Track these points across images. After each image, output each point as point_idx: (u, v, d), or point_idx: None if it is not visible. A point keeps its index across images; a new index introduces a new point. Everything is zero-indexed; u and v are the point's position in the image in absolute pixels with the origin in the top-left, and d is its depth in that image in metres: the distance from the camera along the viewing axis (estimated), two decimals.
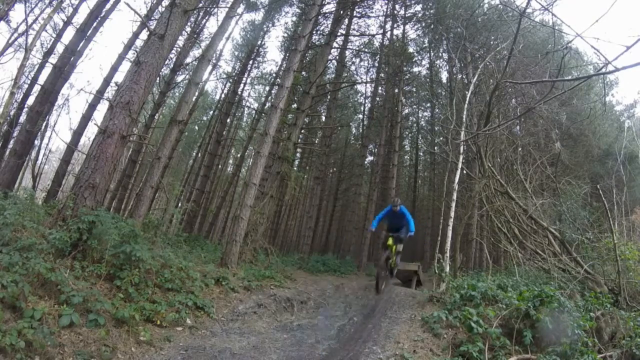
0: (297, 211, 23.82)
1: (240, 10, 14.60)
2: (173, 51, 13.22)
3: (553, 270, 6.89)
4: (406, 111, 21.75)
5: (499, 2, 12.49)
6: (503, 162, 10.78)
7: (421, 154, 24.76)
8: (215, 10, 13.32)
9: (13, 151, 9.04)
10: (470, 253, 13.31)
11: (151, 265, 4.92)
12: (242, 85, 19.11)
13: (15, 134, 9.35)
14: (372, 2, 16.89)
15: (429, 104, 21.49)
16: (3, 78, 27.89)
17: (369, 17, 17.36)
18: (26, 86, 9.93)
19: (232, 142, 21.66)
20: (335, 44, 14.72)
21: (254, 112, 21.21)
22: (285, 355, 4.33)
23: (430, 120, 21.99)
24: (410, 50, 19.09)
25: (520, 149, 11.14)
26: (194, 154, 23.77)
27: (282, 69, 16.55)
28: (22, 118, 9.60)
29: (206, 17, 15.38)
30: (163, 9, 9.58)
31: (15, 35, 9.25)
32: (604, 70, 4.19)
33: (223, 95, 19.41)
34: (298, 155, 20.94)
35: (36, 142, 10.46)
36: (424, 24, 18.38)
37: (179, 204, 15.47)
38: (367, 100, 21.63)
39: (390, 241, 6.68)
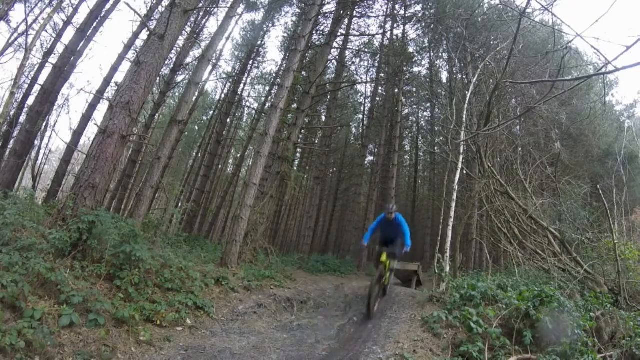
0: (297, 211, 23.82)
1: (240, 10, 14.62)
2: (173, 51, 13.24)
3: (553, 270, 6.89)
4: (406, 111, 21.79)
5: (499, 2, 12.49)
6: (503, 162, 10.78)
7: (421, 154, 24.79)
8: (215, 10, 13.34)
9: (13, 151, 9.04)
10: (470, 253, 13.32)
11: (151, 265, 4.92)
12: (242, 85, 19.14)
13: (15, 134, 9.35)
14: (372, 2, 16.91)
15: (429, 104, 21.51)
16: (3, 78, 27.94)
17: (369, 17, 17.39)
18: (26, 86, 9.94)
19: (232, 142, 21.68)
20: (335, 44, 14.72)
21: (254, 112, 21.24)
22: (285, 355, 4.33)
23: (430, 120, 22.01)
24: (410, 50, 19.11)
25: (520, 149, 11.14)
26: (194, 154, 23.79)
27: (282, 69, 16.57)
28: (22, 118, 9.61)
29: (206, 17, 15.41)
30: (163, 9, 9.58)
31: (15, 35, 9.27)
32: (604, 70, 4.19)
33: (223, 95, 19.45)
34: (298, 155, 20.95)
35: (36, 142, 10.48)
36: (424, 24, 18.39)
37: (179, 204, 15.47)
38: (367, 100, 21.67)
39: (383, 257, 5.88)
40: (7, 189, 6.90)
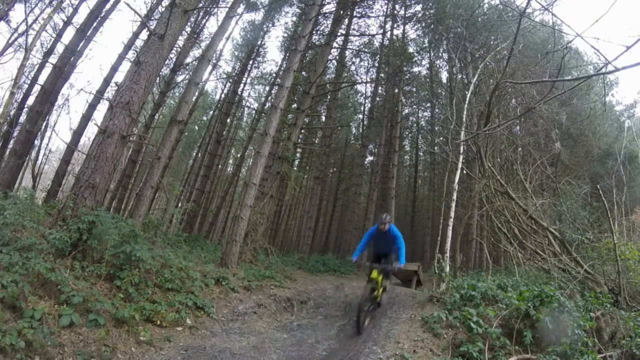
0: (297, 211, 23.83)
1: (240, 10, 14.62)
2: (173, 51, 13.25)
3: (553, 270, 6.90)
4: (406, 111, 21.81)
5: (499, 2, 12.49)
6: (503, 162, 10.78)
7: (421, 154, 24.80)
8: (215, 10, 13.35)
9: (13, 151, 9.04)
10: (470, 253, 13.33)
11: (151, 265, 4.92)
12: (242, 85, 19.14)
13: (15, 134, 9.34)
14: (372, 2, 16.91)
15: (429, 104, 21.53)
16: (3, 78, 27.95)
17: (369, 17, 17.39)
18: (26, 86, 9.94)
19: (232, 142, 21.68)
20: (335, 44, 14.72)
21: (254, 112, 21.26)
22: (285, 355, 4.33)
23: (430, 120, 22.02)
24: (410, 50, 19.12)
25: (520, 149, 11.15)
26: (194, 154, 23.80)
27: (282, 69, 16.58)
28: (22, 118, 9.60)
29: (206, 17, 15.41)
30: (163, 9, 9.58)
31: (15, 35, 9.27)
32: (604, 70, 4.19)
33: (223, 95, 19.45)
34: (298, 155, 20.95)
35: (36, 142, 10.48)
36: (424, 24, 18.40)
37: (179, 204, 15.48)
38: (367, 100, 21.68)
39: (374, 274, 5.31)
40: (7, 189, 6.90)
